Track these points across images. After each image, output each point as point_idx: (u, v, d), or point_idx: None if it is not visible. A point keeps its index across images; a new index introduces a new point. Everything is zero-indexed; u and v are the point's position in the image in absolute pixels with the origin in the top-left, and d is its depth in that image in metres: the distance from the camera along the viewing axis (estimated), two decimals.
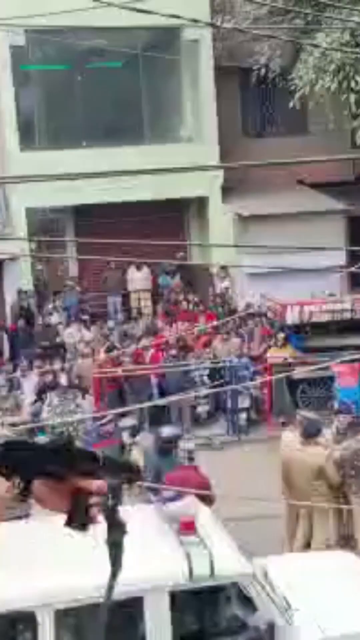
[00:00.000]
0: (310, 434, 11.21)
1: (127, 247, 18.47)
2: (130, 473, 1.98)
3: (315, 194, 22.94)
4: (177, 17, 7.97)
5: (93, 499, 1.87)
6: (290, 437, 11.93)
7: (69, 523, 1.89)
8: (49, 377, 16.21)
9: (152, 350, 17.62)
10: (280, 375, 15.53)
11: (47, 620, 6.81)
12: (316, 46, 17.03)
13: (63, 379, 15.57)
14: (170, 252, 21.21)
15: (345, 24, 16.35)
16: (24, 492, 1.88)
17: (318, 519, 11.07)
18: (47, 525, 7.89)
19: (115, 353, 17.16)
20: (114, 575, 1.90)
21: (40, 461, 1.85)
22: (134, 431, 12.46)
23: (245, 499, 10.72)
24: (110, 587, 1.93)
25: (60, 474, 1.86)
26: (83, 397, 15.41)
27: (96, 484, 1.87)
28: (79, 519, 1.89)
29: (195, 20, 8.62)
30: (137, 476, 2.02)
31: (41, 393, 15.83)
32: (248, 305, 19.89)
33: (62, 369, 16.56)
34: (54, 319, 20.59)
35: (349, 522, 11.37)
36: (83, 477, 1.87)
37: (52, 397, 15.07)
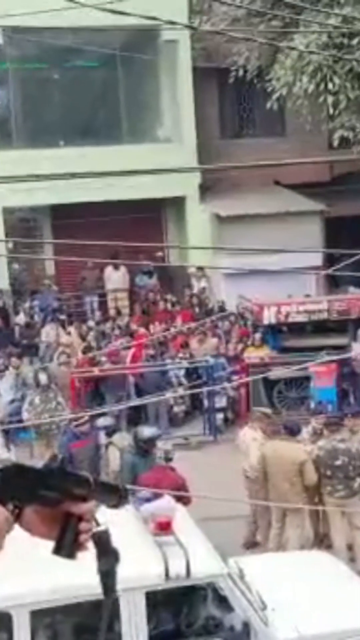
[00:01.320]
0: (292, 431, 11.39)
1: (104, 247, 18.47)
2: (119, 495, 1.89)
3: (292, 194, 23.01)
4: (154, 18, 7.98)
5: (83, 525, 1.78)
6: (251, 433, 12.09)
7: (56, 550, 1.80)
8: (29, 376, 16.17)
9: (132, 350, 17.62)
10: (257, 377, 15.57)
11: (22, 621, 6.80)
12: (292, 49, 17.07)
13: (43, 378, 15.52)
14: (148, 251, 21.22)
15: (323, 26, 16.41)
16: (14, 520, 1.79)
17: (292, 519, 11.14)
18: None
19: (92, 354, 17.15)
20: (107, 603, 1.83)
21: (34, 485, 1.76)
22: (110, 431, 12.47)
23: (221, 499, 10.76)
24: (104, 616, 1.88)
25: (52, 499, 1.78)
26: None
27: (86, 507, 1.79)
28: (67, 546, 1.79)
29: (172, 22, 8.60)
30: (125, 499, 1.91)
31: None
32: (221, 307, 19.93)
33: (44, 368, 16.53)
34: (31, 318, 20.53)
35: (325, 522, 11.45)
36: (74, 501, 1.78)
37: (34, 396, 15.02)
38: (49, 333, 19.34)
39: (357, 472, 10.79)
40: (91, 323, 20.25)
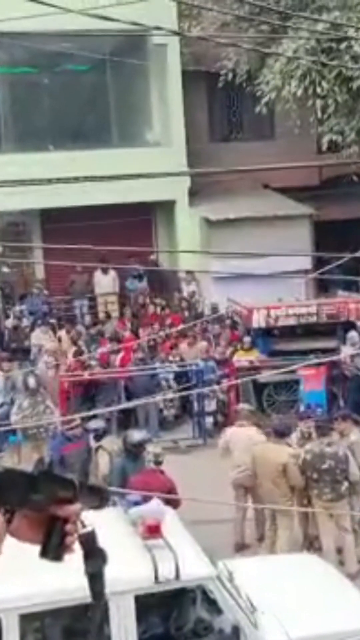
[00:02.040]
0: (281, 434, 11.48)
1: (94, 251, 18.46)
2: (102, 497, 1.89)
3: (282, 198, 23.07)
4: (138, 24, 7.99)
5: (69, 527, 1.78)
6: (244, 431, 12.21)
7: (43, 553, 1.79)
8: (18, 380, 16.17)
9: (121, 353, 17.64)
10: (247, 379, 15.60)
11: (12, 624, 6.81)
12: (279, 54, 17.12)
13: (32, 381, 15.52)
14: (139, 255, 21.24)
15: (311, 31, 16.48)
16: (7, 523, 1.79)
17: (281, 521, 11.20)
18: None
19: (82, 357, 17.16)
20: (96, 606, 1.82)
21: (24, 490, 1.75)
22: (100, 434, 12.46)
23: (211, 502, 10.78)
24: (95, 617, 1.88)
25: (40, 503, 1.77)
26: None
27: (72, 509, 1.78)
28: (53, 548, 1.78)
29: (158, 28, 8.64)
30: (107, 500, 1.92)
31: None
32: (214, 309, 19.96)
33: (33, 372, 16.53)
34: (21, 322, 20.51)
35: (314, 525, 11.48)
36: (60, 504, 1.78)
37: (22, 400, 15.02)
38: (39, 337, 19.33)
39: (344, 476, 10.83)
40: (79, 327, 20.20)
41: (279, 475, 11.00)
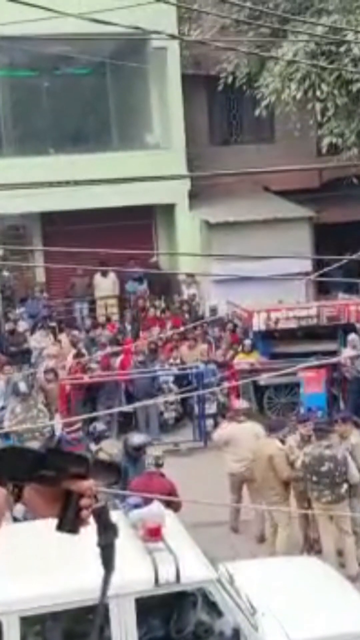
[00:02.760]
0: (274, 429, 11.62)
1: (94, 254, 18.49)
2: (117, 472, 2.02)
3: (281, 201, 23.08)
4: (139, 28, 8.02)
5: (83, 501, 1.88)
6: (250, 427, 12.67)
7: (59, 526, 1.89)
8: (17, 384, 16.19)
9: (121, 356, 17.65)
10: (247, 380, 15.63)
11: (12, 627, 6.81)
12: (278, 58, 17.14)
13: (23, 386, 15.53)
14: (139, 258, 21.26)
15: (311, 35, 16.49)
16: (15, 499, 1.89)
17: (279, 519, 11.31)
18: (11, 532, 7.91)
19: (83, 359, 17.17)
20: (107, 577, 1.91)
21: (32, 466, 1.85)
22: (99, 437, 12.45)
23: (211, 504, 10.80)
24: (105, 589, 1.93)
25: (51, 478, 1.87)
26: (51, 415, 15.36)
27: (86, 485, 1.88)
28: (69, 522, 1.88)
29: (157, 32, 8.67)
30: (120, 475, 2.04)
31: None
32: (213, 310, 19.96)
33: (29, 375, 16.55)
34: (21, 325, 20.52)
35: (314, 527, 11.50)
36: (73, 480, 1.87)
37: (14, 405, 15.02)
38: (39, 340, 19.34)
39: (343, 478, 10.84)
40: (75, 332, 20.12)
41: (266, 468, 11.28)
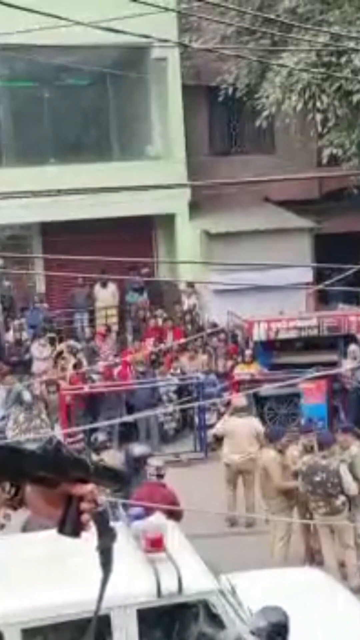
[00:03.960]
0: (272, 438, 11.61)
1: (94, 263, 18.50)
2: (120, 479, 2.04)
3: (282, 211, 23.10)
4: (148, 36, 8.02)
5: (84, 505, 1.89)
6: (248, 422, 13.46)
7: (60, 529, 1.91)
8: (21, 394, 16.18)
9: (119, 367, 17.63)
10: (247, 392, 15.61)
11: (14, 638, 6.77)
12: (284, 66, 17.17)
13: (27, 395, 15.51)
14: (139, 269, 21.25)
15: (311, 45, 16.53)
16: (16, 500, 1.91)
17: (276, 531, 11.35)
18: (12, 543, 7.88)
19: (83, 370, 17.16)
20: (105, 579, 1.94)
21: (30, 466, 1.85)
22: (100, 448, 12.42)
23: (213, 514, 10.77)
24: (102, 593, 1.96)
25: (50, 480, 1.88)
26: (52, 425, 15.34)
27: (86, 489, 1.89)
28: (70, 525, 1.90)
29: (165, 40, 8.67)
30: (128, 484, 2.07)
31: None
32: (214, 325, 19.93)
33: (29, 386, 16.53)
34: (21, 335, 20.50)
35: (316, 538, 11.46)
36: (73, 483, 1.89)
37: (18, 414, 15.00)
38: (41, 350, 19.31)
39: (338, 490, 10.72)
40: (71, 341, 20.07)
41: (262, 477, 11.48)
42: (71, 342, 19.89)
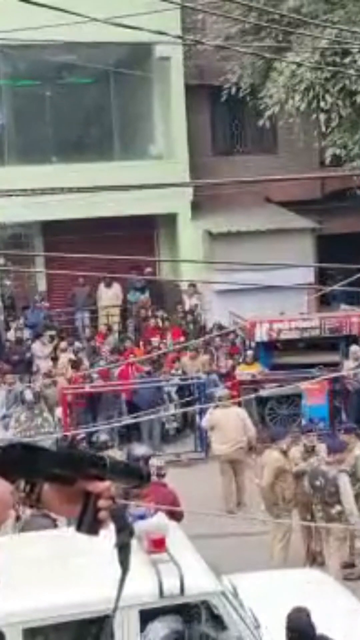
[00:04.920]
0: (276, 438, 11.59)
1: (96, 262, 18.47)
2: (140, 478, 2.01)
3: (284, 211, 23.07)
4: (160, 33, 7.98)
5: (101, 502, 1.88)
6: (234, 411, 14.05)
7: (78, 527, 1.90)
8: (19, 392, 16.16)
9: (121, 367, 17.59)
10: (250, 396, 15.62)
11: (15, 638, 6.73)
12: (292, 62, 17.11)
13: (29, 394, 15.48)
14: (141, 268, 21.22)
15: (315, 44, 16.50)
16: (34, 498, 1.89)
17: (275, 532, 11.38)
18: (15, 543, 7.85)
19: (82, 369, 17.12)
20: (123, 576, 1.95)
21: (44, 464, 1.84)
22: (101, 448, 12.37)
23: (213, 515, 10.74)
24: (120, 590, 1.97)
25: (67, 477, 1.87)
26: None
27: (103, 486, 1.88)
28: (88, 523, 1.90)
29: (179, 37, 8.63)
30: (147, 481, 2.06)
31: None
32: (220, 327, 19.91)
33: (29, 385, 16.50)
34: (22, 334, 20.47)
35: (317, 539, 11.43)
36: (90, 480, 1.88)
37: (20, 413, 14.98)
38: (42, 349, 19.28)
39: (334, 499, 10.60)
40: (77, 343, 20.05)
41: (258, 477, 11.55)
42: (63, 344, 19.74)
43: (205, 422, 14.57)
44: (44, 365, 18.37)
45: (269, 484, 11.23)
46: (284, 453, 11.50)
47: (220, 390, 14.99)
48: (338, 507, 10.64)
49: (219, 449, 13.94)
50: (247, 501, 13.65)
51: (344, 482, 10.59)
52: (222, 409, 14.13)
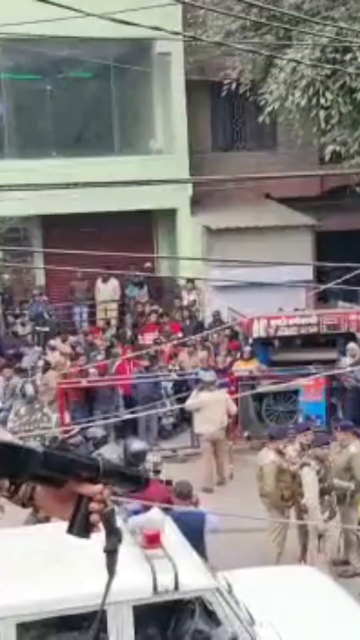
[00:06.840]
0: (275, 437, 11.53)
1: (94, 257, 18.43)
2: (137, 484, 1.99)
3: (283, 208, 23.07)
4: (158, 29, 7.96)
5: (93, 505, 1.87)
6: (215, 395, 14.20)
7: (70, 529, 1.89)
8: (18, 386, 16.15)
9: (118, 361, 17.58)
10: (247, 393, 15.63)
11: (9, 633, 6.74)
12: (293, 60, 17.10)
13: (29, 388, 15.48)
14: (138, 263, 21.20)
15: (316, 41, 16.47)
16: (27, 497, 1.88)
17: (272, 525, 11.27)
18: (8, 537, 7.85)
19: (80, 366, 17.11)
20: (109, 581, 1.94)
21: (28, 465, 1.81)
22: (98, 443, 12.41)
23: (209, 512, 10.71)
24: (106, 594, 1.98)
25: (54, 479, 1.85)
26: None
27: (95, 489, 1.87)
28: (79, 526, 1.89)
29: (176, 33, 8.61)
30: (145, 485, 2.02)
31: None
32: (216, 317, 19.90)
33: (30, 378, 16.50)
34: (21, 328, 20.48)
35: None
36: (82, 482, 1.86)
37: (19, 407, 14.97)
38: (62, 347, 19.25)
39: (327, 506, 10.64)
40: (75, 338, 20.02)
41: (257, 477, 11.35)
42: (54, 342, 19.64)
43: (191, 403, 14.99)
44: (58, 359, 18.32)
45: (272, 487, 11.17)
46: (280, 453, 11.47)
47: (208, 375, 15.44)
48: (326, 514, 10.68)
49: (205, 428, 14.66)
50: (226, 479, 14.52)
51: (306, 475, 10.59)
52: (207, 391, 14.75)
